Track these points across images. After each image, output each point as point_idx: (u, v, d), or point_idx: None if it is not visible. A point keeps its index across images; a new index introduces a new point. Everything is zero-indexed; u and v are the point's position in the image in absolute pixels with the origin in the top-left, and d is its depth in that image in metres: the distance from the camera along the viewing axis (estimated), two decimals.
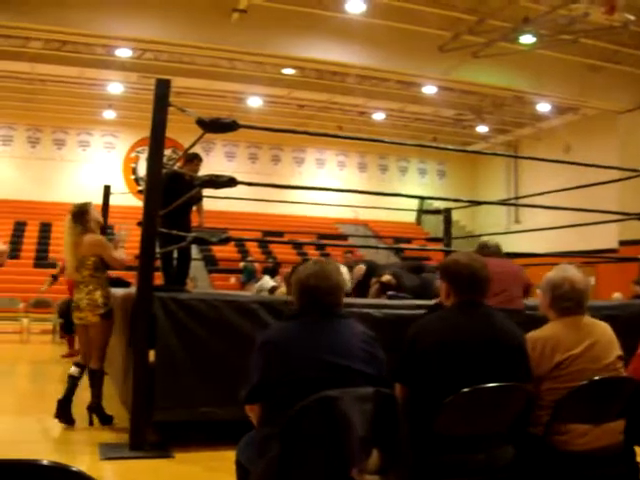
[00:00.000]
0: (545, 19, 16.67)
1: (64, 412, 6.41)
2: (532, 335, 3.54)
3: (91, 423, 6.51)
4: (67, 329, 11.91)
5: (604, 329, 3.60)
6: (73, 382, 6.57)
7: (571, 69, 19.31)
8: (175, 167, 8.94)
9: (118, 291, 7.34)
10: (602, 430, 3.36)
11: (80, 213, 6.73)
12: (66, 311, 11.00)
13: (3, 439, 5.91)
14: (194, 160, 8.39)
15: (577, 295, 3.54)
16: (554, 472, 3.33)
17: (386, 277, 8.70)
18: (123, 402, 6.79)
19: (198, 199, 8.55)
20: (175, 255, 8.50)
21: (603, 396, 3.35)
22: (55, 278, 14.64)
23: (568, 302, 3.53)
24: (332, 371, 2.93)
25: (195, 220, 8.75)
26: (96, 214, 6.93)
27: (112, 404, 6.85)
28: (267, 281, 13.14)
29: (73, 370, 6.67)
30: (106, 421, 6.51)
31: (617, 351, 3.53)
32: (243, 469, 3.02)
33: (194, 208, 8.74)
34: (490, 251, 6.57)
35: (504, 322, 3.41)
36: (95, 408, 6.53)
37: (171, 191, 7.28)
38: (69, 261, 6.74)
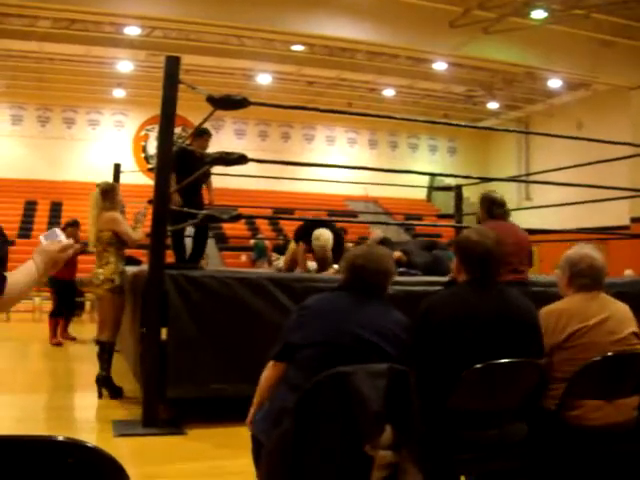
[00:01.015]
0: None
1: (108, 388, 6.63)
2: (548, 308, 3.60)
3: (100, 396, 6.60)
4: (58, 311, 11.23)
5: (620, 306, 3.63)
6: (102, 358, 6.75)
7: (583, 44, 19.15)
8: (184, 144, 8.89)
9: (130, 269, 7.36)
10: (616, 406, 3.36)
11: (109, 190, 6.99)
12: (60, 291, 11.17)
13: (17, 416, 5.96)
14: (203, 135, 8.22)
15: (594, 272, 3.59)
16: (567, 447, 3.34)
17: (397, 254, 8.66)
18: (136, 379, 6.83)
19: (207, 176, 8.46)
20: (190, 233, 8.52)
21: (617, 372, 3.35)
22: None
23: (585, 279, 3.59)
24: (358, 342, 2.99)
25: (205, 197, 8.70)
26: (121, 198, 7.19)
27: (125, 381, 6.89)
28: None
29: (97, 350, 6.86)
30: (116, 394, 6.62)
31: (632, 327, 3.55)
32: (258, 443, 3.03)
33: (204, 186, 8.70)
34: (497, 212, 6.21)
35: (518, 298, 3.41)
36: (104, 381, 6.65)
37: (181, 168, 7.28)
38: (90, 234, 6.94)
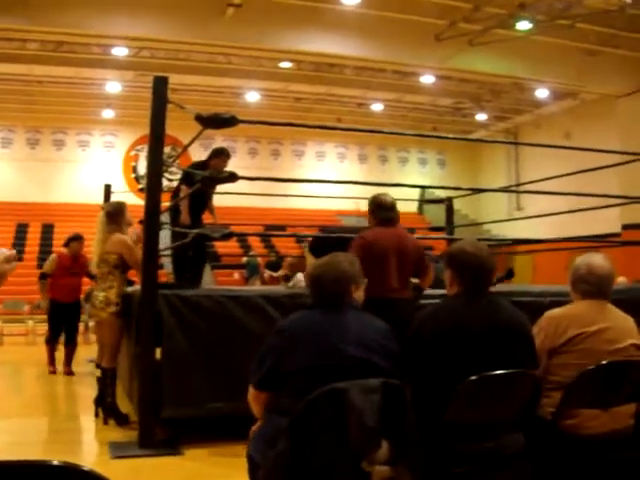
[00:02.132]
0: (541, 4, 16.62)
1: (114, 414, 6.49)
2: (551, 311, 3.65)
3: (97, 415, 6.55)
4: (54, 336, 10.31)
5: (624, 318, 3.65)
6: (103, 382, 6.68)
7: (568, 54, 19.23)
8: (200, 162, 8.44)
9: None
10: (612, 414, 3.37)
11: (115, 213, 6.92)
12: (52, 315, 10.26)
13: (12, 441, 5.92)
14: (221, 156, 8.02)
15: (596, 279, 3.63)
16: (564, 456, 3.34)
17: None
18: (130, 400, 6.80)
19: (211, 196, 8.32)
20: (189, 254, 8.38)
21: (613, 380, 3.36)
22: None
23: (586, 285, 3.62)
24: (346, 360, 2.94)
25: (207, 218, 8.57)
26: (129, 216, 7.08)
27: (120, 403, 6.85)
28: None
29: (97, 373, 6.85)
30: (123, 421, 6.47)
31: (634, 339, 3.55)
32: (254, 463, 3.02)
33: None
34: (384, 216, 5.80)
35: (509, 310, 3.41)
36: (110, 408, 6.55)
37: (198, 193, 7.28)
38: (95, 256, 6.89)
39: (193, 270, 8.20)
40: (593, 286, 3.62)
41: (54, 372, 10.06)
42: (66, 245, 10.24)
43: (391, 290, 5.35)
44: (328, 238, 7.92)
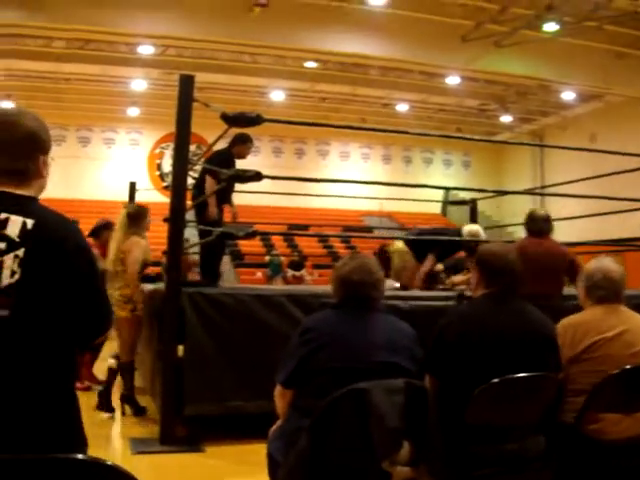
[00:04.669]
0: (569, 6, 16.51)
1: (104, 402, 6.70)
2: (566, 320, 3.61)
3: (123, 413, 6.66)
4: None
5: (639, 319, 3.61)
6: (112, 374, 6.81)
7: (595, 56, 19.11)
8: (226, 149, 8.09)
9: (146, 286, 7.37)
10: (635, 419, 3.34)
11: (137, 215, 6.99)
12: None
13: None
14: (247, 142, 7.76)
15: (611, 284, 3.60)
16: (587, 461, 3.32)
17: (440, 266, 8.39)
18: (152, 397, 6.83)
19: (231, 192, 8.02)
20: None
21: (636, 384, 3.34)
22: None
23: (602, 291, 3.60)
24: (374, 364, 2.94)
25: (227, 216, 8.38)
26: (148, 221, 7.14)
27: (142, 399, 6.89)
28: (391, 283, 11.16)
29: (111, 362, 6.87)
30: (140, 412, 6.64)
31: None
32: (274, 461, 3.03)
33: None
34: (536, 227, 6.35)
35: (534, 313, 3.41)
36: (128, 399, 6.70)
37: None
38: (112, 254, 6.91)
39: (213, 265, 7.97)
40: (609, 291, 3.62)
41: (87, 389, 8.06)
42: (94, 235, 8.64)
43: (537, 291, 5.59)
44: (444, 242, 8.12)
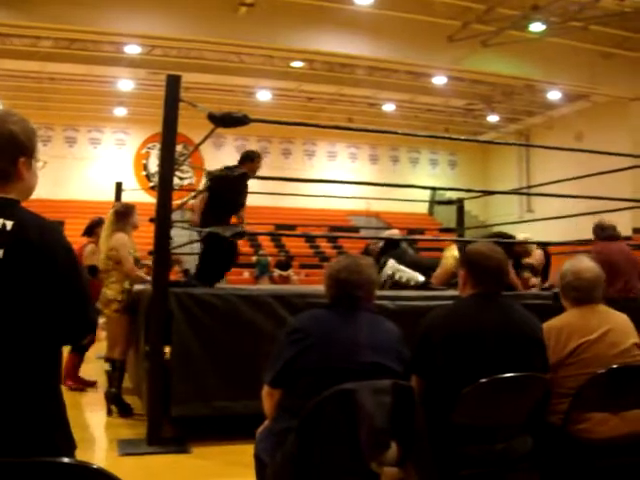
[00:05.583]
0: (555, 6, 16.59)
1: (117, 404, 6.59)
2: (548, 324, 3.58)
3: (109, 412, 6.59)
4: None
5: (620, 317, 3.62)
6: (109, 376, 6.76)
7: (581, 56, 19.19)
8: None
9: (136, 287, 7.31)
10: (622, 418, 3.35)
11: (124, 213, 7.00)
12: None
13: None
14: (255, 159, 7.70)
15: (583, 285, 3.59)
16: (573, 461, 3.32)
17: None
18: (139, 397, 6.81)
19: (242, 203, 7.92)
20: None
21: (622, 384, 3.34)
22: None
23: (575, 292, 3.60)
24: (361, 365, 2.93)
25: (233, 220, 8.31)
26: (136, 218, 7.11)
27: (129, 400, 6.87)
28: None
29: (106, 367, 6.84)
30: (125, 411, 6.58)
31: (634, 338, 3.54)
32: (262, 463, 3.02)
33: None
34: (606, 234, 6.75)
35: (522, 313, 3.41)
36: (114, 398, 6.64)
37: (217, 194, 7.18)
38: (102, 252, 6.94)
39: (218, 271, 7.67)
40: (582, 292, 3.60)
41: (79, 389, 8.10)
42: (88, 233, 8.54)
43: (618, 291, 6.13)
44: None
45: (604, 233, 6.81)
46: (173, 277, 8.62)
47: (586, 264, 3.66)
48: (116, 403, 6.63)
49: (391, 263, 8.21)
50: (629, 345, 3.49)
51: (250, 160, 7.66)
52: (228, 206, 7.53)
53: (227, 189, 7.14)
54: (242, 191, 7.43)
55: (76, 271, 2.28)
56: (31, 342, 2.13)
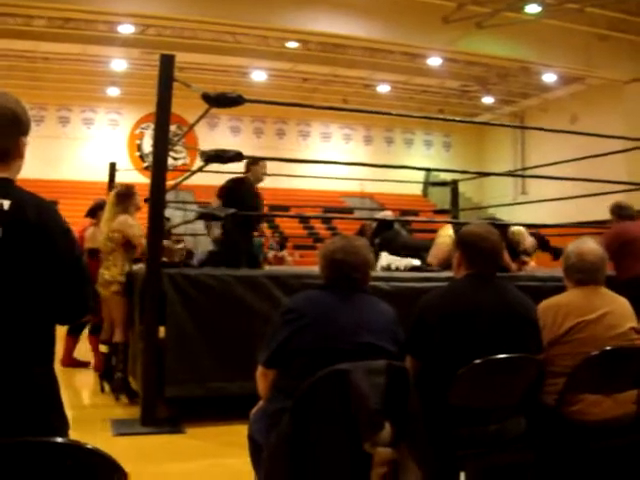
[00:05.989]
0: None
1: (125, 391, 6.56)
2: (546, 301, 3.60)
3: (102, 389, 6.60)
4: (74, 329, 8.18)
5: (620, 301, 3.63)
6: (106, 359, 6.88)
7: (577, 38, 19.12)
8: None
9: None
10: (615, 400, 3.37)
11: (125, 195, 6.97)
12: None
13: None
14: (259, 162, 7.97)
15: (587, 266, 3.59)
16: (567, 442, 3.34)
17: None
18: (134, 378, 6.82)
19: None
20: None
21: (616, 366, 3.35)
22: None
23: (578, 274, 3.60)
24: (356, 345, 2.93)
25: None
26: (138, 200, 7.08)
27: None
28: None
29: (103, 348, 6.98)
30: (133, 396, 6.51)
31: (632, 322, 3.55)
32: (256, 443, 3.02)
33: None
34: (626, 213, 6.86)
35: (516, 294, 3.41)
36: (122, 384, 6.60)
37: (233, 196, 7.30)
38: (102, 233, 6.94)
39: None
40: (585, 274, 3.60)
41: (74, 364, 8.32)
42: (91, 214, 8.42)
43: None
44: None
45: (624, 212, 6.90)
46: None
47: (589, 246, 3.66)
48: (124, 389, 6.58)
49: (384, 255, 8.22)
50: (626, 329, 3.50)
51: (254, 163, 7.93)
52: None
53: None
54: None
55: (74, 250, 2.28)
56: (28, 321, 2.14)
